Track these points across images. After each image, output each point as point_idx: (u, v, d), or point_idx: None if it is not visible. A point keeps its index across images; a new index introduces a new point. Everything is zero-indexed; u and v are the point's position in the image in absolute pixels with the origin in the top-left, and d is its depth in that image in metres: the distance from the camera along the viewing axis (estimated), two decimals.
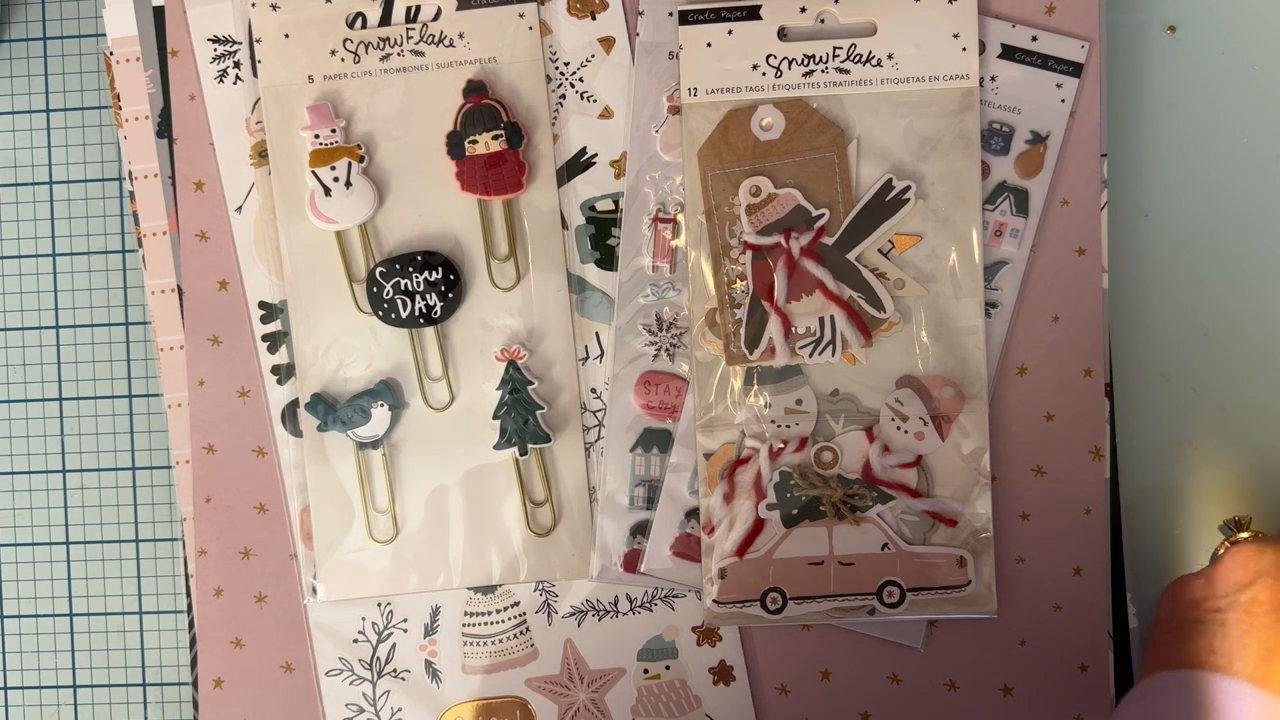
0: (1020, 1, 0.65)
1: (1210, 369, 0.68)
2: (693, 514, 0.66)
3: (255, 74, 0.66)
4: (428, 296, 0.65)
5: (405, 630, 0.67)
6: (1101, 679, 0.66)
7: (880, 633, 0.66)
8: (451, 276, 0.65)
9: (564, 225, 0.67)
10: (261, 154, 0.66)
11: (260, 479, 0.67)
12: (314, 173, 0.65)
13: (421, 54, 0.66)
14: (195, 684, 0.68)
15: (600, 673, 0.67)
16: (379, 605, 0.67)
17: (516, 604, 0.67)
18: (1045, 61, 0.65)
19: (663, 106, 0.66)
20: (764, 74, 0.64)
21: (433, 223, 0.66)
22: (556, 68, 0.66)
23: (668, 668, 0.67)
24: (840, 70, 0.64)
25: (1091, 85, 0.65)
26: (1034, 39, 0.65)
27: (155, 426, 0.70)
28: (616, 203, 0.66)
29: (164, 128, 0.67)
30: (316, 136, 0.65)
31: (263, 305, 0.67)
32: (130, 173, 0.68)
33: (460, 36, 0.66)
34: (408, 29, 0.66)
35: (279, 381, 0.67)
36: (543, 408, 0.66)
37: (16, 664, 0.71)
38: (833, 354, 0.65)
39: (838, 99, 0.65)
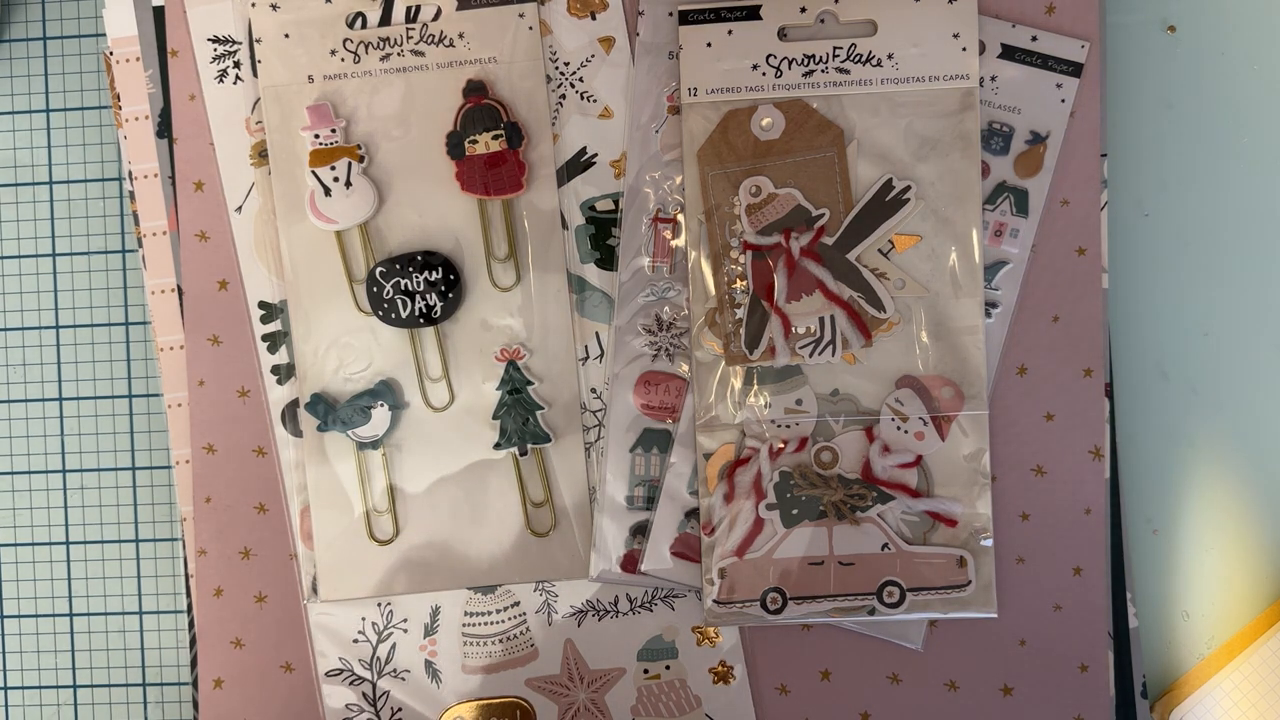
0: (1020, 1, 0.65)
1: (1210, 369, 0.68)
2: (693, 514, 0.66)
3: (255, 74, 0.66)
4: (428, 296, 0.65)
5: (405, 630, 0.67)
6: (1101, 679, 0.66)
7: (880, 633, 0.66)
8: (451, 276, 0.65)
9: (564, 225, 0.66)
10: (261, 154, 0.66)
11: (260, 479, 0.67)
12: (314, 173, 0.65)
13: (421, 54, 0.66)
14: (195, 684, 0.68)
15: (600, 673, 0.67)
16: (379, 605, 0.67)
17: (516, 604, 0.67)
18: (1045, 61, 0.65)
19: (663, 106, 0.66)
20: (764, 74, 0.64)
21: (433, 223, 0.66)
22: (556, 68, 0.66)
23: (668, 668, 0.67)
24: (840, 70, 0.64)
25: (1091, 85, 0.65)
26: (1034, 39, 0.65)
27: (155, 426, 0.70)
28: (616, 203, 0.66)
29: (164, 128, 0.67)
30: (316, 136, 0.65)
31: (263, 305, 0.67)
32: (130, 173, 0.68)
33: (460, 36, 0.66)
34: (408, 29, 0.66)
35: (279, 381, 0.67)
36: (543, 408, 0.66)
37: (16, 664, 0.71)
38: (833, 354, 0.65)
39: (838, 99, 0.65)
